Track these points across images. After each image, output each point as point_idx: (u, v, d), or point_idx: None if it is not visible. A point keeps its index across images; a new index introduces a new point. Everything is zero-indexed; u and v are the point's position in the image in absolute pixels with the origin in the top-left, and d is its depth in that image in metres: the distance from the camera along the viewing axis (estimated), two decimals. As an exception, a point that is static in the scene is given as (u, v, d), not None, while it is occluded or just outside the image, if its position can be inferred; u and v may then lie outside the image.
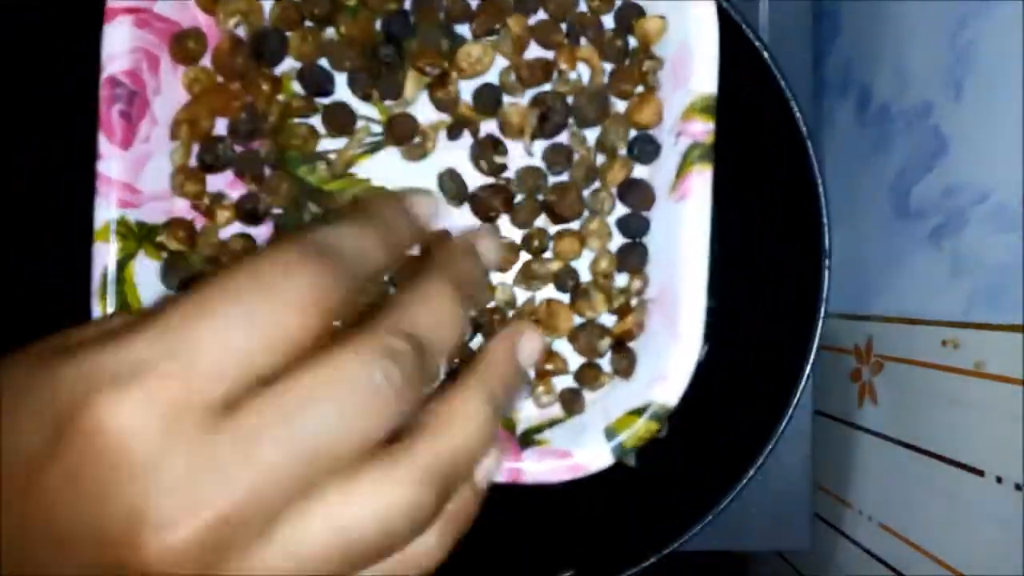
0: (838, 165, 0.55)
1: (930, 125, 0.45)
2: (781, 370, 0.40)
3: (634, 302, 0.38)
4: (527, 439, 0.37)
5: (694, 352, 0.35)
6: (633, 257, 0.38)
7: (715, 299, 0.46)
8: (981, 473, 0.39)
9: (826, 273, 0.39)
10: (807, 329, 0.39)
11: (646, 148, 0.38)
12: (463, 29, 0.38)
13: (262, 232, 0.39)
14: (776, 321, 0.42)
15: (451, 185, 0.38)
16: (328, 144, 0.39)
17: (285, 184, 0.38)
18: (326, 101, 0.39)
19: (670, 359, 0.35)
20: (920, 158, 0.45)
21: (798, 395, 0.39)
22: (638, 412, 0.36)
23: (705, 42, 0.35)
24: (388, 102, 0.38)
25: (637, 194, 0.38)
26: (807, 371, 0.39)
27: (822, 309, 0.39)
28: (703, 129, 0.36)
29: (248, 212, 0.38)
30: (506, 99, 0.38)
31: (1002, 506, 0.37)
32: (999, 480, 0.38)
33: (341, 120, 0.39)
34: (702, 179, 0.35)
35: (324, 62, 0.38)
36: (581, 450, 0.36)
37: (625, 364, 0.37)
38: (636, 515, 0.43)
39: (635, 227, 0.38)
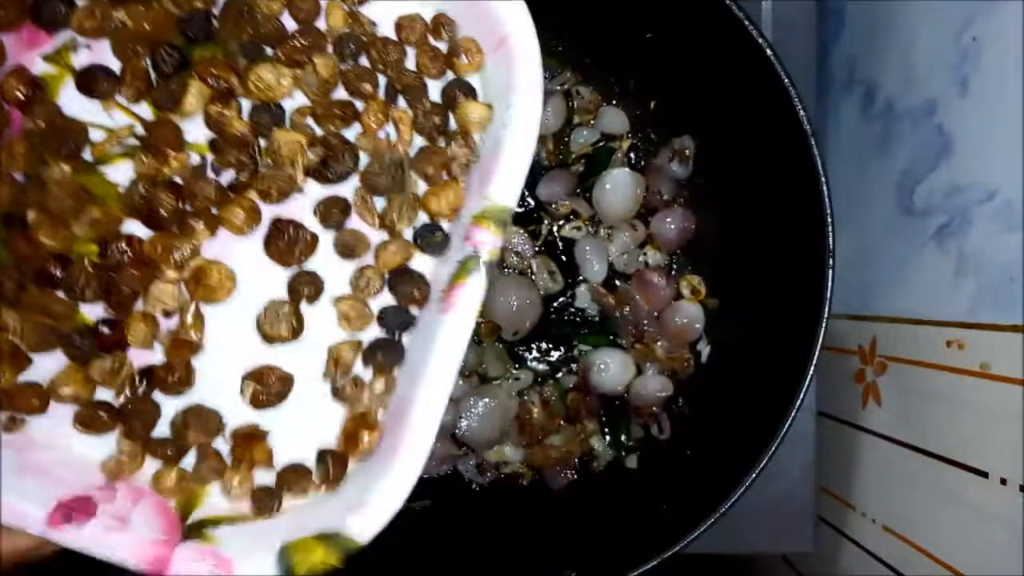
0: (842, 162, 0.54)
1: (935, 122, 0.44)
2: (784, 371, 0.39)
3: (367, 400, 0.33)
4: (195, 530, 0.31)
5: (407, 486, 0.30)
6: (383, 354, 0.32)
7: (718, 298, 0.46)
8: (985, 475, 0.39)
9: (830, 273, 0.39)
10: (811, 329, 0.39)
11: (431, 238, 0.33)
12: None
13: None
14: (779, 321, 0.41)
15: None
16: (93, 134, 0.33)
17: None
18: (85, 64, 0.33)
19: (378, 487, 0.30)
20: (925, 156, 0.45)
21: (801, 396, 0.38)
22: (325, 538, 0.30)
23: (519, 149, 0.32)
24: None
25: (408, 285, 0.33)
26: (811, 372, 0.39)
27: (826, 309, 0.39)
28: (490, 241, 0.31)
29: None
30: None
31: (1006, 508, 0.37)
32: (1003, 482, 0.38)
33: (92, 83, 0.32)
34: (471, 294, 0.31)
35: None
36: (244, 562, 0.30)
37: (328, 474, 0.32)
38: (639, 517, 0.42)
39: (394, 321, 0.33)
